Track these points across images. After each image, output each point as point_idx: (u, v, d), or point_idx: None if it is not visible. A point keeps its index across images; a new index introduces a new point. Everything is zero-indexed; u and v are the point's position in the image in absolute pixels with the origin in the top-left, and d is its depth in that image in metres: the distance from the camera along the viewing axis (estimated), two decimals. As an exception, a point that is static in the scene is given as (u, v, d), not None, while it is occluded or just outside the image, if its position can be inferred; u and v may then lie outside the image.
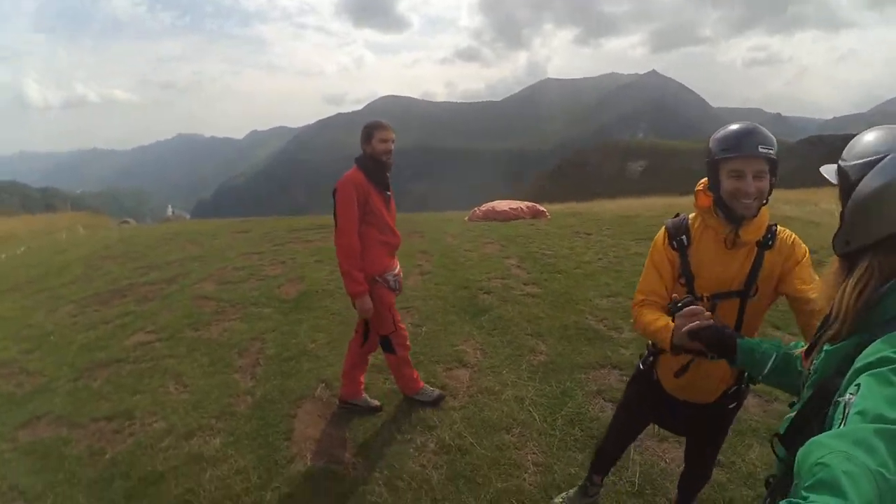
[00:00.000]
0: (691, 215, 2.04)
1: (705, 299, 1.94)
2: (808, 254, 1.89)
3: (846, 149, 1.15)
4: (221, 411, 4.03)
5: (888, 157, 1.04)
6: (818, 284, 1.72)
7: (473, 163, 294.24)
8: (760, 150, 1.73)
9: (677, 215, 2.09)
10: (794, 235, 1.93)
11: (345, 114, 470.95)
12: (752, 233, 1.88)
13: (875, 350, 0.95)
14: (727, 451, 3.12)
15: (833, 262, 1.21)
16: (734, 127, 1.80)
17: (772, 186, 1.81)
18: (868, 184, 1.05)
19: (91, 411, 4.28)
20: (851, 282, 1.09)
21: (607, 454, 2.69)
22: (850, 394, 0.89)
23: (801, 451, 0.83)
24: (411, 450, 3.38)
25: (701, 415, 2.20)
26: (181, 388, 4.49)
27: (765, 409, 3.74)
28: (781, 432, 1.20)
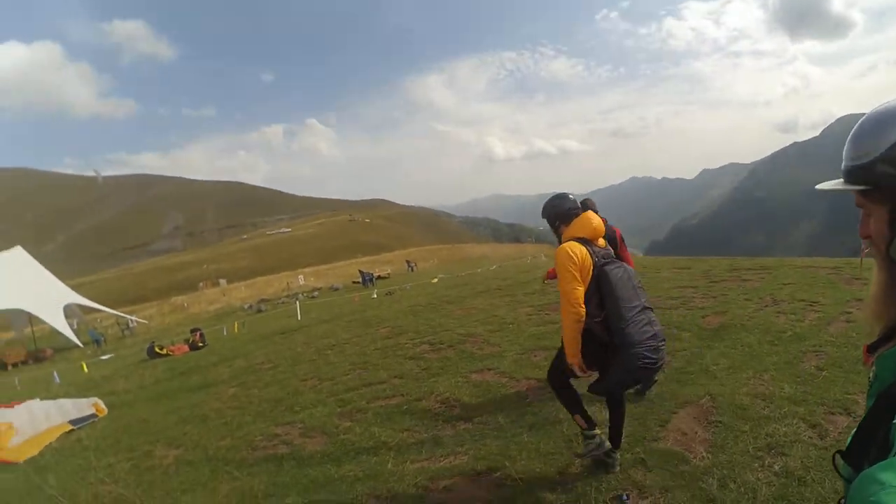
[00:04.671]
0: None
1: None
2: None
3: (866, 145, 0.98)
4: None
5: None
6: None
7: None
8: None
9: None
10: None
11: (800, 142, 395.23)
12: None
13: None
14: None
15: (882, 271, 1.04)
16: None
17: None
18: None
19: (526, 373, 6.04)
20: None
21: None
22: None
23: (853, 484, 0.77)
24: (756, 464, 3.53)
25: None
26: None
27: None
28: (845, 449, 1.03)
